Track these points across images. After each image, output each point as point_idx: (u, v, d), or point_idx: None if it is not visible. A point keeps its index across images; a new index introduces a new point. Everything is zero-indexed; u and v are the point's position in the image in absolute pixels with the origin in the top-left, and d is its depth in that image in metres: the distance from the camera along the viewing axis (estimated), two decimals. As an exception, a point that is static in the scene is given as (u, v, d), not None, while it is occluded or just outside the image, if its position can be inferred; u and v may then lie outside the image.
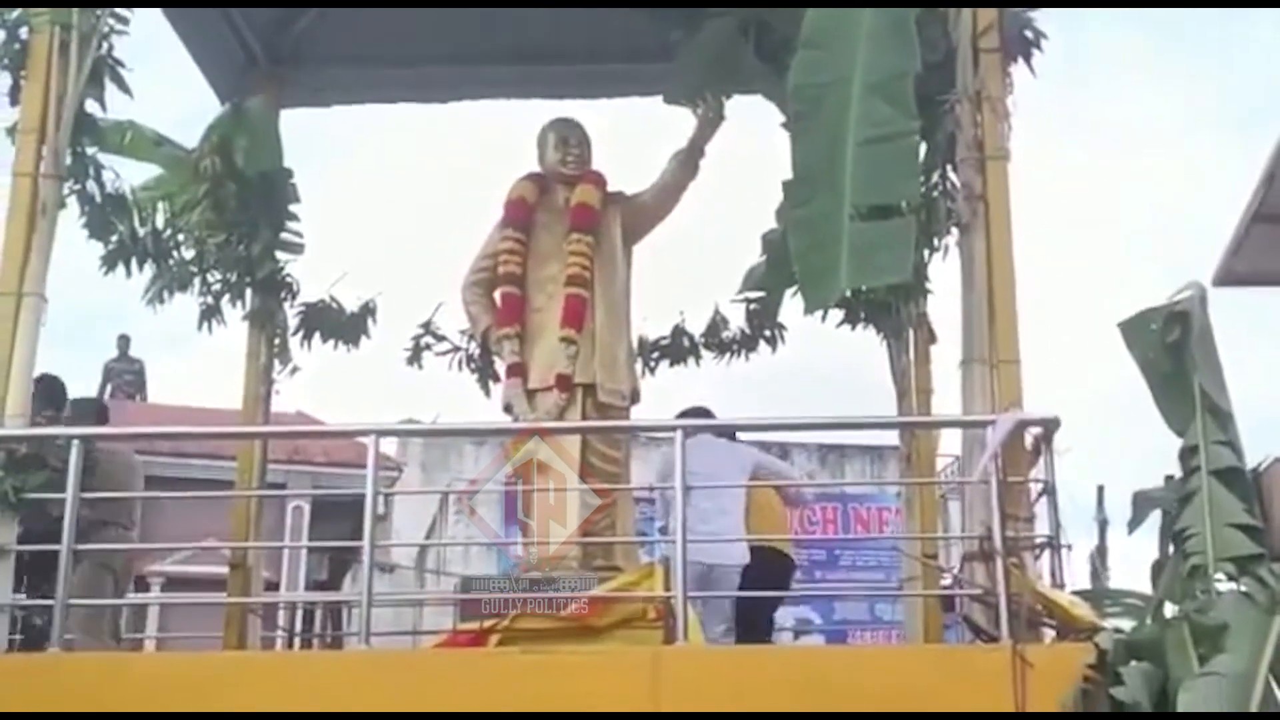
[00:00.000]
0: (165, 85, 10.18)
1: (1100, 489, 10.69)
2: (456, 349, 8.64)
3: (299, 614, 15.96)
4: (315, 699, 5.44)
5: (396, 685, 5.55)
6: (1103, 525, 8.32)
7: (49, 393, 7.89)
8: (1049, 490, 5.92)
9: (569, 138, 7.82)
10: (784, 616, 17.52)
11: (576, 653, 5.80)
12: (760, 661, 6.02)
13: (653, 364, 8.95)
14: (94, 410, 8.46)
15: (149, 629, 16.29)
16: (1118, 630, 5.39)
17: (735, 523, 8.17)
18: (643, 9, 7.92)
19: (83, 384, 22.49)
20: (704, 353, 9.03)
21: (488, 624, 6.34)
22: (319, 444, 18.94)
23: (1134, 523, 6.23)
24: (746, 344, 8.96)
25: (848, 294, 7.68)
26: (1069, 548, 6.20)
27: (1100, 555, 7.85)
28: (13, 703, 5.34)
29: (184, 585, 17.28)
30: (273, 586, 18.10)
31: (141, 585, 18.35)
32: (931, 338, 8.19)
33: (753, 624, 8.50)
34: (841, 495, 21.30)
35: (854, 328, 8.38)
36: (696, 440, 8.02)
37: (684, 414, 8.50)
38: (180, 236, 8.42)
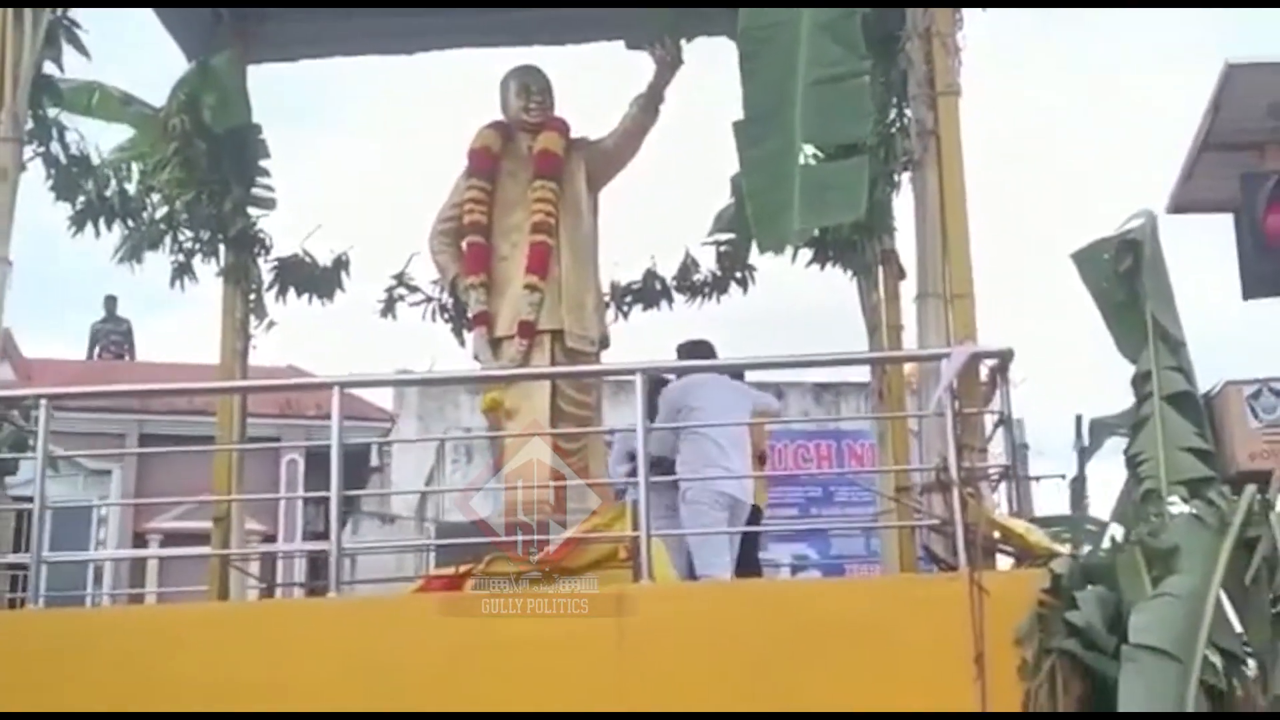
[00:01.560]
0: (135, 44, 10.20)
1: (1079, 418, 10.77)
2: (429, 299, 8.70)
3: (297, 565, 16.16)
4: (285, 647, 5.56)
5: (366, 631, 5.65)
6: (1082, 453, 8.41)
7: None
8: (1005, 420, 6.00)
9: (531, 85, 7.85)
10: (781, 553, 17.74)
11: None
12: (724, 596, 6.14)
13: (625, 308, 8.99)
14: None
15: (149, 584, 16.61)
16: (1073, 555, 5.47)
17: (749, 461, 8.32)
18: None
19: (73, 345, 22.79)
20: (676, 296, 9.06)
21: (463, 568, 6.43)
22: (312, 397, 19.07)
23: (1090, 449, 6.34)
24: (718, 286, 8.99)
25: (815, 233, 7.76)
26: (1064, 477, 6.32)
27: (1080, 483, 7.92)
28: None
29: (181, 540, 17.47)
30: (271, 539, 18.33)
31: (140, 541, 18.60)
32: (900, 274, 8.26)
33: (752, 562, 8.69)
34: (836, 432, 21.41)
35: (823, 267, 8.46)
36: (704, 379, 8.22)
37: (683, 347, 8.59)
38: (153, 196, 8.45)
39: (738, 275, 8.96)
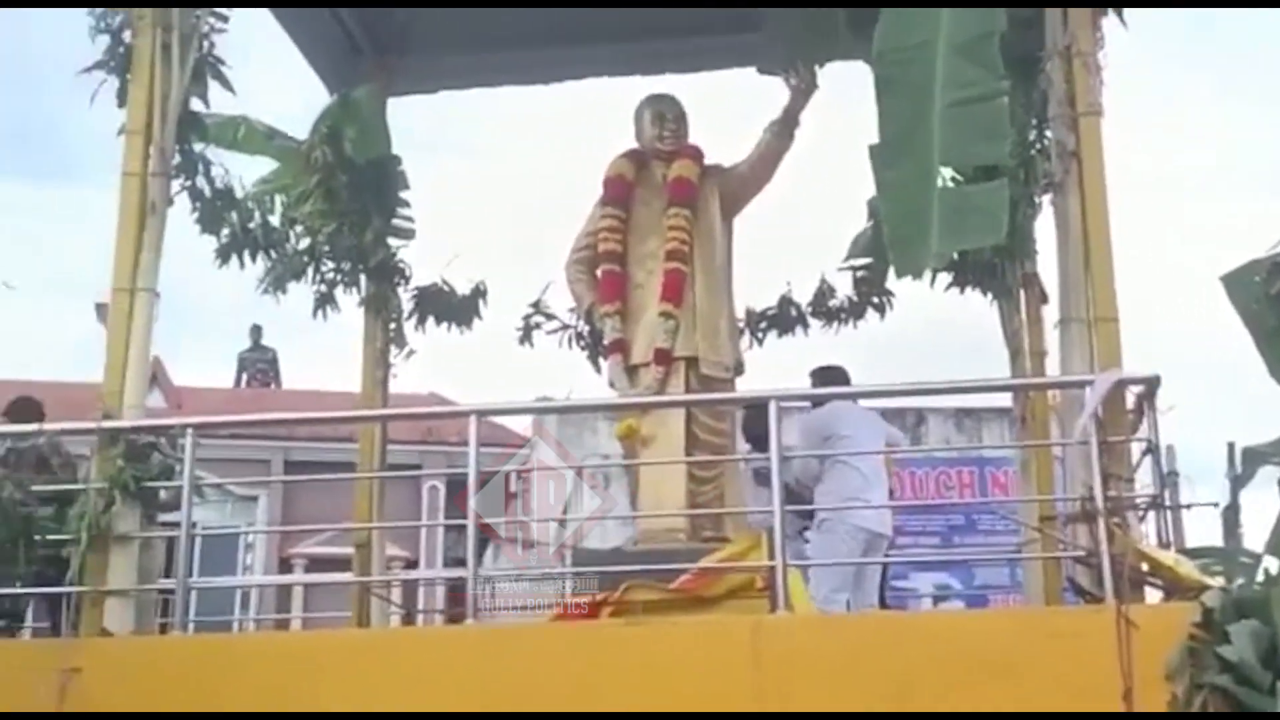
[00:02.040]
0: (280, 78, 10.45)
1: (1230, 446, 10.41)
2: (566, 327, 8.75)
3: (438, 590, 16.36)
4: (424, 674, 5.60)
5: (502, 658, 5.66)
6: (1234, 482, 8.16)
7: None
8: (1152, 449, 5.83)
9: (665, 114, 7.88)
10: (923, 582, 17.46)
11: (679, 624, 5.86)
12: (861, 627, 6.05)
13: (760, 335, 8.95)
14: (33, 408, 8.40)
15: (294, 608, 16.94)
16: (1224, 588, 5.29)
17: (886, 493, 8.23)
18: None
19: (219, 373, 23.39)
20: (811, 322, 8.99)
21: (599, 596, 6.44)
22: (453, 423, 19.32)
23: (1243, 478, 6.13)
24: (854, 311, 8.91)
25: (954, 257, 7.64)
26: (1216, 506, 6.13)
27: (1232, 514, 7.67)
28: (136, 681, 5.59)
29: (325, 565, 17.76)
30: (414, 564, 18.58)
31: (285, 566, 18.98)
32: (1043, 298, 8.08)
33: (883, 593, 8.60)
34: (978, 459, 21.01)
35: (962, 290, 8.31)
36: (846, 406, 8.18)
37: (817, 373, 8.53)
38: (296, 227, 8.62)
39: (875, 300, 8.87)
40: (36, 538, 6.05)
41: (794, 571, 6.14)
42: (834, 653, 5.50)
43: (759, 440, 8.17)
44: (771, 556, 6.04)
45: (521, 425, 21.29)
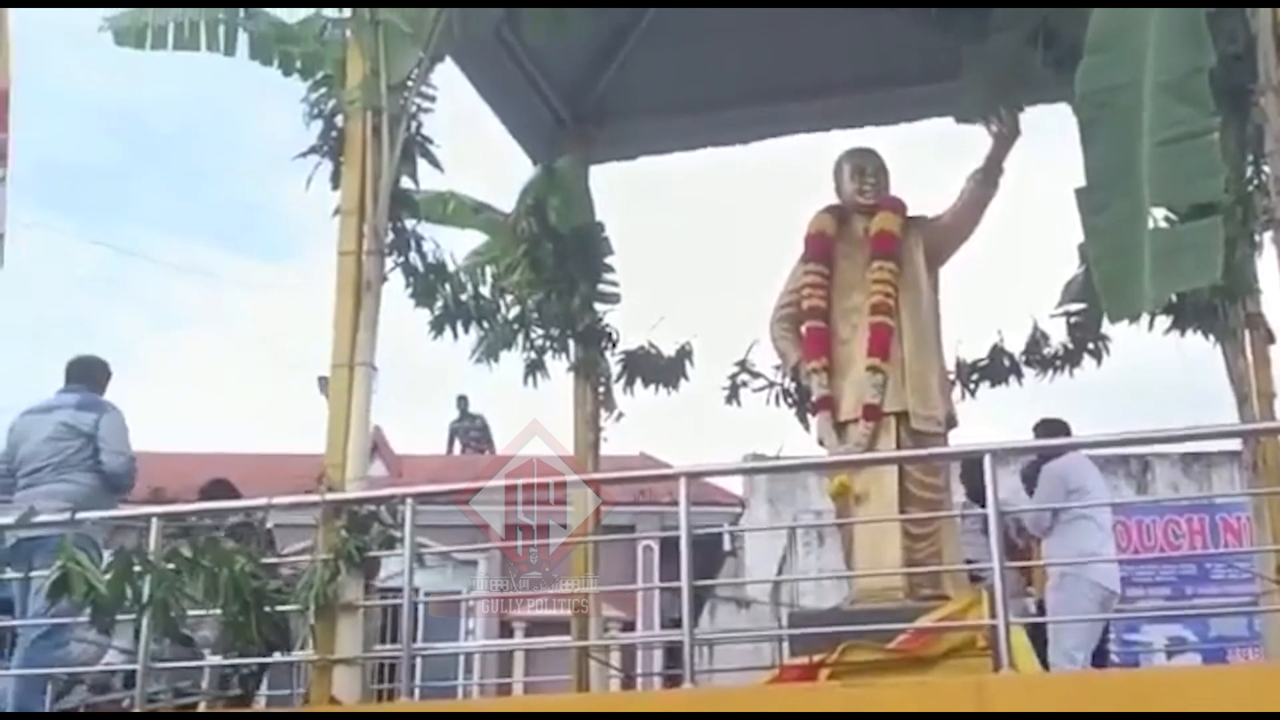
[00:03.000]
0: (486, 153, 10.72)
1: None
2: (772, 385, 8.73)
3: (656, 652, 16.40)
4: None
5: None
6: None
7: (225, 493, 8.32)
8: (1395, 495, 5.53)
9: (865, 167, 7.84)
10: (1155, 635, 16.82)
11: (899, 685, 5.72)
12: (1090, 685, 5.81)
13: (972, 386, 8.78)
14: (228, 489, 8.62)
15: (516, 671, 17.16)
16: None
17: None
18: (928, 26, 7.84)
19: (429, 438, 23.89)
20: (1025, 371, 8.79)
21: (816, 658, 6.36)
22: (665, 484, 19.36)
23: None
24: (1069, 359, 8.68)
25: (1172, 299, 7.39)
26: None
27: None
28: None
29: (545, 626, 17.92)
30: (630, 625, 18.62)
31: (505, 629, 19.24)
32: (1269, 338, 7.76)
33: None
34: (1209, 505, 20.24)
35: (1182, 333, 8.03)
36: (1082, 460, 8.07)
37: (1040, 425, 8.35)
38: (506, 297, 8.81)
39: (1090, 346, 8.63)
40: (266, 609, 6.22)
41: (1018, 630, 5.96)
42: (1063, 713, 5.31)
43: (981, 493, 8.03)
44: (993, 614, 5.88)
45: (732, 483, 21.35)
